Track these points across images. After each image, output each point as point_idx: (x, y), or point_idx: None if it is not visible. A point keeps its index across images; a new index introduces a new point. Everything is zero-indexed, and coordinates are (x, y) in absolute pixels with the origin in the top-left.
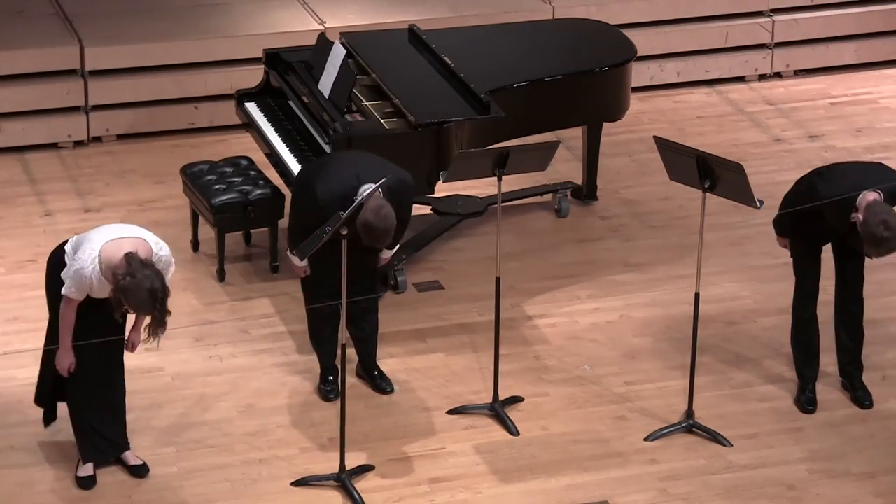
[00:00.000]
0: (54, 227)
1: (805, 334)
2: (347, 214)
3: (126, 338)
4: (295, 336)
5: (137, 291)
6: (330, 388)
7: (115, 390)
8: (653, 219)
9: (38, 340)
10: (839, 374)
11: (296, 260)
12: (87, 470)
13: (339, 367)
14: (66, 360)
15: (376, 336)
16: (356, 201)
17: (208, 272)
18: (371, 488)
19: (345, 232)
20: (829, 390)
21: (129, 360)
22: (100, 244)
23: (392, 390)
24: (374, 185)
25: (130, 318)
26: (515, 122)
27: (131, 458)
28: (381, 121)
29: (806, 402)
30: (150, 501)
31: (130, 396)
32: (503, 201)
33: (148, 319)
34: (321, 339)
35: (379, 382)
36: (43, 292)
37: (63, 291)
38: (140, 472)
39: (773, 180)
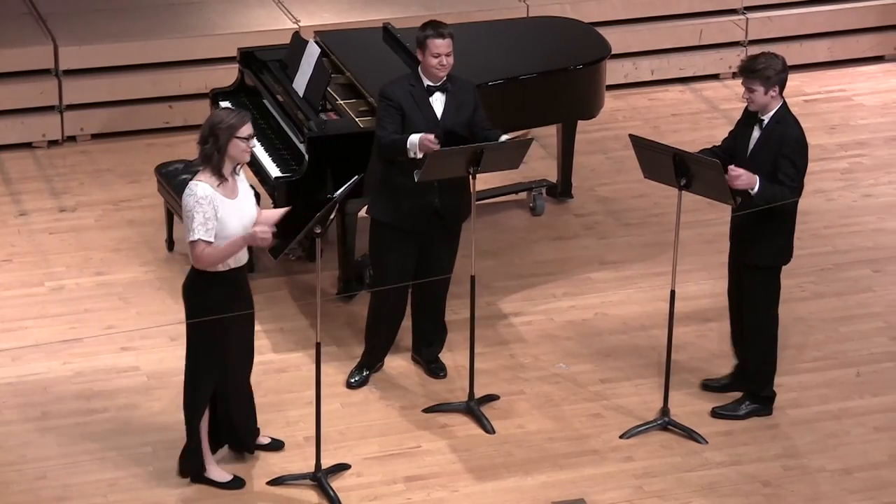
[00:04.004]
0: (29, 227)
1: None
2: (321, 214)
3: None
4: (270, 335)
5: (218, 113)
6: (359, 378)
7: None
8: (628, 216)
9: (13, 340)
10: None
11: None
12: (223, 475)
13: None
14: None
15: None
16: (332, 200)
17: (183, 271)
18: (347, 487)
19: (318, 231)
20: (803, 387)
21: (105, 360)
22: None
23: (444, 375)
24: (349, 183)
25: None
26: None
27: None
28: (356, 119)
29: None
30: (125, 501)
31: (106, 396)
32: (478, 199)
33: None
34: (381, 329)
35: (435, 368)
36: (19, 291)
37: (190, 238)
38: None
39: None
